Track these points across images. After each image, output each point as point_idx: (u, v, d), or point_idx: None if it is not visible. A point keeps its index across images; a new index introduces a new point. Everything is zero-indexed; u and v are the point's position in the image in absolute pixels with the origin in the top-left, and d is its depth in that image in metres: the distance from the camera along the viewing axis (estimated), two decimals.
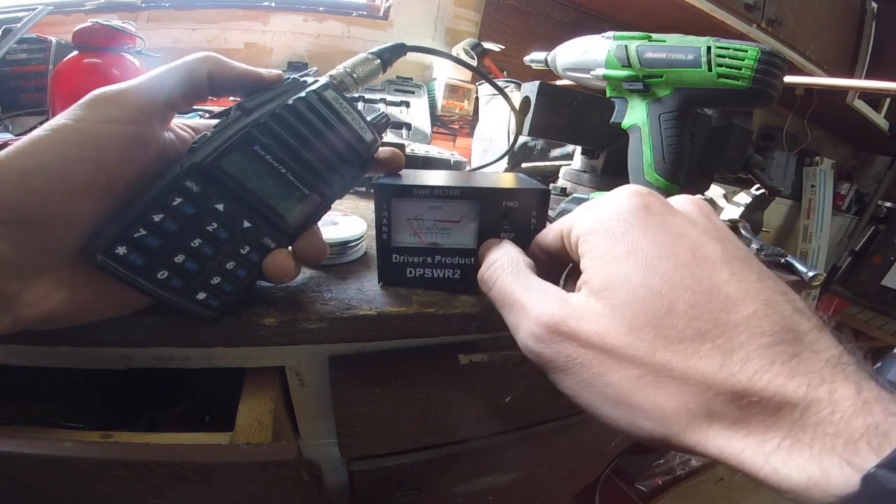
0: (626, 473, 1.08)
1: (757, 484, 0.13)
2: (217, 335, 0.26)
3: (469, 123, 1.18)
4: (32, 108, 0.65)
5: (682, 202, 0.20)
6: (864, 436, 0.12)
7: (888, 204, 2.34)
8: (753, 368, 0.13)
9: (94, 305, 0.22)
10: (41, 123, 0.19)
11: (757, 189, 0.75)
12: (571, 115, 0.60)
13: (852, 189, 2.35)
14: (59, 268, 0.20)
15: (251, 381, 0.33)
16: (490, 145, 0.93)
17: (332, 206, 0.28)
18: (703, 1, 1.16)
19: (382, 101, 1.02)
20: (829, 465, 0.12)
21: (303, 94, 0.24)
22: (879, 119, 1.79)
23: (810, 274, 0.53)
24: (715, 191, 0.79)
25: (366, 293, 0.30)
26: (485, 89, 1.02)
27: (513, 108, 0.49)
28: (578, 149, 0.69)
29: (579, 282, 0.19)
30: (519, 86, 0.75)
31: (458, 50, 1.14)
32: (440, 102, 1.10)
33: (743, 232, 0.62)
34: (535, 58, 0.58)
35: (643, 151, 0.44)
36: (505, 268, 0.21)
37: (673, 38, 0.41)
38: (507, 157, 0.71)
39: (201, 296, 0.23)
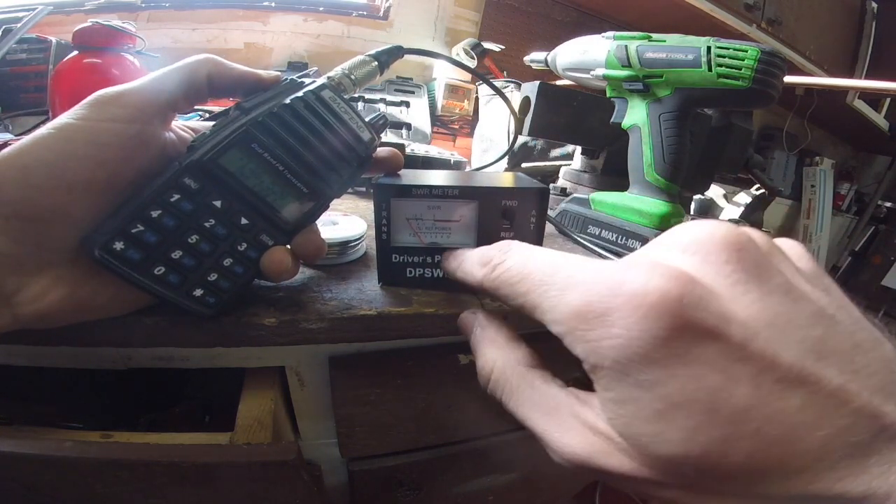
0: None
1: None
2: (217, 335, 0.26)
3: (469, 123, 1.18)
4: (32, 108, 0.65)
5: (723, 259, 0.14)
6: None
7: (888, 204, 2.34)
8: (818, 486, 0.12)
9: (92, 303, 0.22)
10: (41, 124, 0.19)
11: (757, 189, 0.75)
12: (571, 115, 0.60)
13: (852, 189, 2.35)
14: (58, 265, 0.20)
15: (251, 381, 0.34)
16: (490, 145, 0.93)
17: (332, 206, 0.28)
18: (703, 1, 1.16)
19: (382, 101, 1.02)
20: None
21: (300, 93, 0.24)
22: (879, 119, 1.79)
23: None
24: (715, 191, 0.79)
25: (366, 293, 0.30)
26: (485, 89, 1.02)
27: (511, 109, 0.49)
28: (578, 149, 0.69)
29: (595, 396, 0.15)
30: (519, 86, 0.76)
31: (458, 50, 1.14)
32: (440, 102, 1.10)
33: None
34: (535, 58, 0.58)
35: (643, 151, 0.44)
36: (501, 384, 0.18)
37: (673, 38, 0.41)
38: (507, 157, 0.71)
39: (198, 292, 0.24)
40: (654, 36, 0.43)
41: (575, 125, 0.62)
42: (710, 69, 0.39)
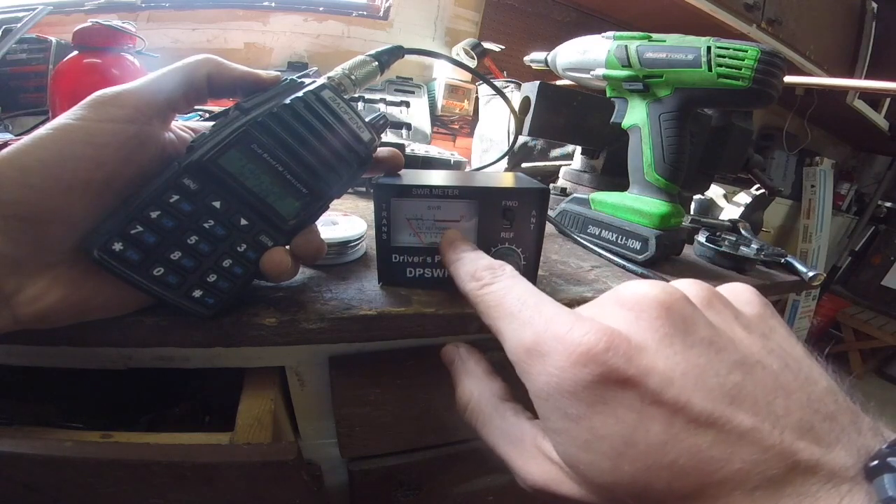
0: None
1: None
2: (217, 335, 0.26)
3: (469, 123, 1.18)
4: (32, 108, 0.65)
5: (654, 315, 0.15)
6: None
7: (888, 204, 2.35)
8: None
9: (91, 303, 0.22)
10: (41, 124, 0.19)
11: (757, 189, 0.75)
12: (571, 115, 0.60)
13: (852, 189, 2.36)
14: (57, 265, 0.20)
15: (251, 381, 0.34)
16: (490, 145, 0.94)
17: (332, 205, 0.28)
18: (703, 1, 1.16)
19: (382, 101, 1.02)
20: None
21: (300, 94, 0.24)
22: (879, 119, 1.79)
23: (810, 274, 0.53)
24: (715, 191, 0.79)
25: (366, 293, 0.30)
26: (485, 89, 1.02)
27: (512, 109, 0.49)
28: (578, 149, 0.69)
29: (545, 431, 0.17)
30: (519, 86, 0.76)
31: (458, 50, 1.14)
32: (440, 102, 1.10)
33: (743, 232, 0.62)
34: (535, 58, 0.58)
35: (643, 151, 0.44)
36: (476, 415, 0.21)
37: (673, 38, 0.41)
38: (507, 157, 0.71)
39: (197, 293, 0.23)
40: (654, 36, 0.43)
41: (575, 125, 0.62)
42: (710, 69, 0.39)
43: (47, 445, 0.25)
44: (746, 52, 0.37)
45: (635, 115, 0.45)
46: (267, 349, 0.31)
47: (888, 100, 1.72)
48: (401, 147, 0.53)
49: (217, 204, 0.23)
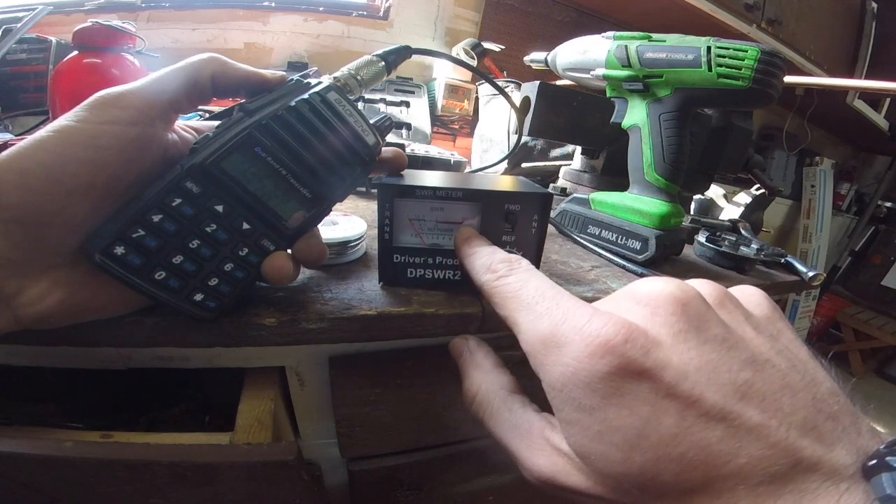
0: None
1: None
2: (217, 335, 0.26)
3: (469, 123, 1.18)
4: (32, 108, 0.65)
5: (669, 310, 0.16)
6: None
7: (888, 204, 2.35)
8: None
9: (92, 305, 0.22)
10: (41, 124, 0.19)
11: (757, 189, 0.75)
12: (571, 115, 0.60)
13: (852, 189, 2.36)
14: (58, 267, 0.20)
15: (251, 381, 0.34)
16: (490, 145, 0.94)
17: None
18: (703, 1, 1.16)
19: (382, 101, 1.02)
20: None
21: (305, 95, 0.24)
22: (879, 119, 1.79)
23: (810, 274, 0.53)
24: (715, 191, 0.79)
25: (366, 293, 0.30)
26: (485, 89, 1.02)
27: (514, 107, 0.49)
28: (578, 149, 0.69)
29: (555, 420, 0.17)
30: (519, 86, 0.76)
31: (458, 50, 1.14)
32: (440, 102, 1.10)
33: (743, 232, 0.62)
34: (535, 58, 0.58)
35: (643, 151, 0.44)
36: (484, 407, 0.20)
37: (673, 38, 0.41)
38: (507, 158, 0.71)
39: (198, 297, 0.23)
40: (654, 36, 0.43)
41: (575, 125, 0.62)
42: (710, 69, 0.39)
43: (47, 445, 0.25)
44: (746, 52, 0.37)
45: (635, 115, 0.45)
46: (267, 349, 0.31)
47: (888, 100, 1.72)
48: (401, 147, 0.53)
49: (219, 207, 0.23)
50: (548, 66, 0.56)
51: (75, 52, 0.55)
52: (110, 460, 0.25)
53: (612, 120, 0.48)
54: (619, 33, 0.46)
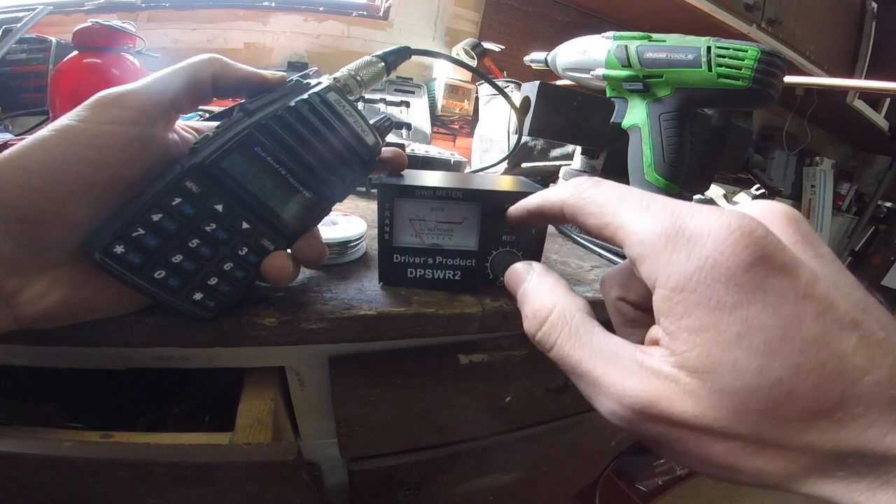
0: (626, 473, 1.08)
1: None
2: (217, 335, 0.26)
3: (469, 123, 1.18)
4: (32, 108, 0.65)
5: (784, 224, 0.15)
6: None
7: (888, 204, 2.34)
8: (869, 435, 0.12)
9: (92, 304, 0.22)
10: (41, 124, 0.19)
11: (757, 189, 0.76)
12: (571, 115, 0.60)
13: (852, 189, 2.36)
14: (59, 266, 0.20)
15: (251, 381, 0.34)
16: (490, 145, 0.93)
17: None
18: (703, 1, 1.16)
19: (382, 101, 1.02)
20: None
21: (305, 96, 0.24)
22: (879, 119, 1.79)
23: None
24: (715, 191, 0.79)
25: (366, 293, 0.30)
26: (485, 89, 1.02)
27: (514, 107, 0.49)
28: (578, 149, 0.69)
29: (660, 338, 0.15)
30: (519, 86, 0.75)
31: (458, 50, 1.14)
32: (440, 102, 1.10)
33: None
34: (535, 58, 0.58)
35: (643, 151, 0.44)
36: (559, 327, 0.17)
37: (673, 38, 0.41)
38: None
39: (198, 296, 0.23)
40: (654, 36, 0.43)
41: (575, 125, 0.61)
42: (710, 69, 0.39)
43: (47, 445, 0.25)
44: (746, 52, 0.37)
45: (635, 115, 0.45)
46: (267, 349, 0.31)
47: (888, 100, 1.72)
48: (401, 147, 0.53)
49: (219, 207, 0.23)
50: (548, 66, 0.56)
51: (75, 52, 0.55)
52: (110, 460, 0.25)
53: (612, 120, 0.48)
54: (619, 33, 0.46)
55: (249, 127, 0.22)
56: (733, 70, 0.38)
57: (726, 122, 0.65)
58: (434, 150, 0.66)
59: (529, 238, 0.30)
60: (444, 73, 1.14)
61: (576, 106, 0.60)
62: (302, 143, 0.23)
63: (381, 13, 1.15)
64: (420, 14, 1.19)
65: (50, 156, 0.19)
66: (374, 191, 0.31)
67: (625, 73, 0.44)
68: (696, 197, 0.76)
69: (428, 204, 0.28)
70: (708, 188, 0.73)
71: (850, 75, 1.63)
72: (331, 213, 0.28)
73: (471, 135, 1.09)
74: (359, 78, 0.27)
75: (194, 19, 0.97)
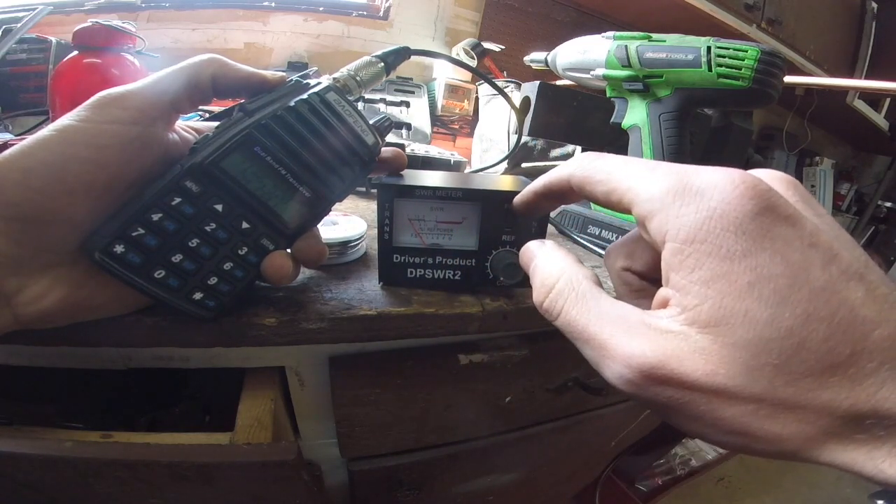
0: (626, 473, 1.08)
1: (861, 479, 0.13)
2: (217, 335, 0.26)
3: (469, 123, 1.18)
4: (32, 108, 0.65)
5: (784, 187, 0.16)
6: None
7: (888, 204, 2.34)
8: (884, 393, 0.12)
9: (92, 303, 0.22)
10: (41, 124, 0.19)
11: None
12: (571, 115, 0.60)
13: (852, 189, 2.35)
14: (59, 265, 0.20)
15: (251, 381, 0.33)
16: (490, 145, 0.93)
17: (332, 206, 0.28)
18: (703, 1, 1.16)
19: (382, 101, 1.02)
20: None
21: (305, 96, 0.24)
22: (879, 119, 1.79)
23: None
24: None
25: (366, 293, 0.30)
26: (485, 89, 1.02)
27: (514, 107, 0.49)
28: (578, 149, 0.69)
29: (669, 297, 0.15)
30: (519, 86, 0.75)
31: (458, 50, 1.14)
32: (440, 102, 1.10)
33: None
34: (535, 58, 0.58)
35: (643, 151, 0.44)
36: (566, 294, 0.17)
37: (673, 38, 0.42)
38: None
39: (198, 296, 0.23)
40: (654, 36, 0.43)
41: (575, 125, 0.62)
42: (710, 69, 0.39)
43: (47, 445, 0.25)
44: (746, 52, 0.37)
45: (635, 115, 0.45)
46: (267, 349, 0.31)
47: (888, 100, 1.72)
48: (401, 147, 0.53)
49: (219, 207, 0.23)
50: (548, 66, 0.56)
51: (75, 52, 0.55)
52: (110, 460, 0.25)
53: (612, 120, 0.48)
54: (619, 33, 0.46)
55: (249, 127, 0.22)
56: (733, 70, 0.38)
57: (726, 122, 0.65)
58: (434, 150, 0.66)
59: (529, 238, 0.30)
60: (444, 73, 1.14)
61: (576, 106, 0.60)
62: (302, 143, 0.23)
63: (381, 13, 1.15)
64: (420, 14, 1.19)
65: (50, 155, 0.19)
66: (374, 191, 0.31)
67: (625, 73, 0.44)
68: None
69: (428, 204, 0.28)
70: None
71: (850, 75, 1.63)
72: (331, 212, 0.28)
73: (471, 135, 1.09)
74: (358, 78, 0.27)
75: (194, 19, 0.97)
